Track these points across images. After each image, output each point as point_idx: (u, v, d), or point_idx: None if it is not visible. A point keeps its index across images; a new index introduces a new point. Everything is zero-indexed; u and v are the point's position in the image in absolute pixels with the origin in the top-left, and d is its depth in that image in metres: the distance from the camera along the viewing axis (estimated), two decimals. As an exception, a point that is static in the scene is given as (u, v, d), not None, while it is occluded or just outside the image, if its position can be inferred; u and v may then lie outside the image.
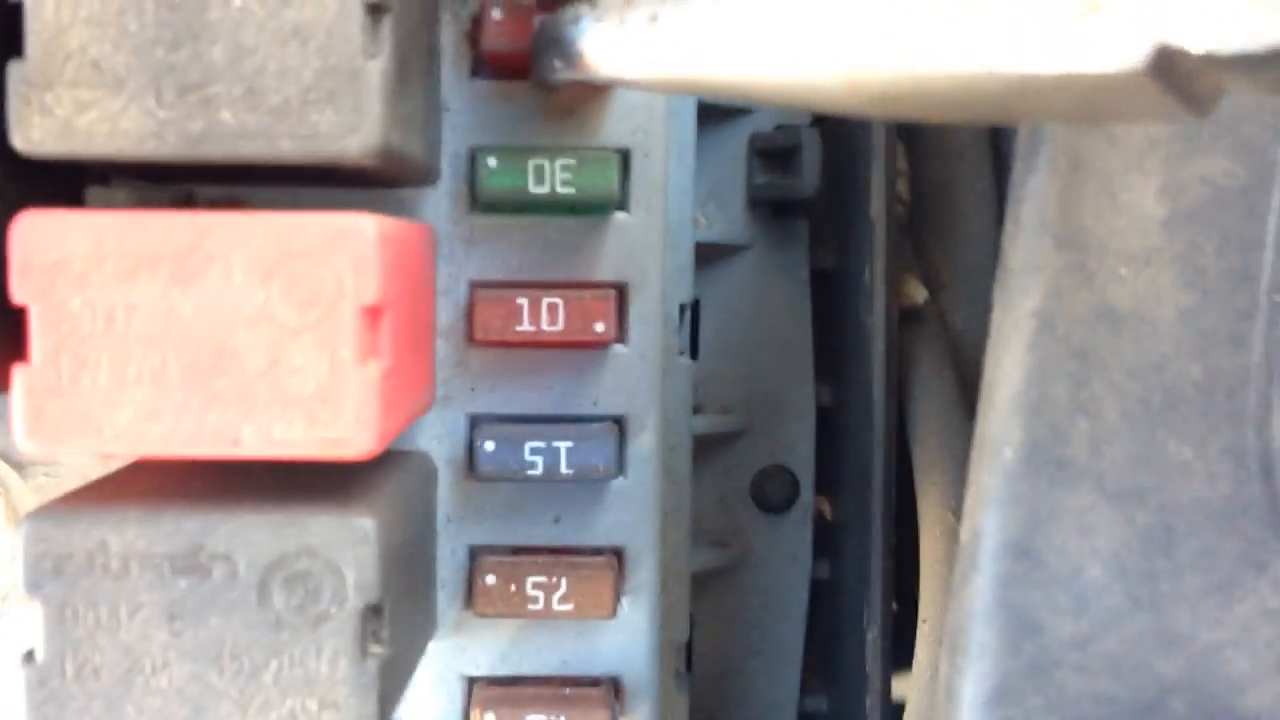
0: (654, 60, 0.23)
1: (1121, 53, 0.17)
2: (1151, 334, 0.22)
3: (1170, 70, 0.17)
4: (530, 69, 0.29)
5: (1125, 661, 0.22)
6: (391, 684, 0.25)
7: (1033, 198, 0.23)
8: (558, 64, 0.25)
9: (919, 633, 0.33)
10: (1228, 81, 0.18)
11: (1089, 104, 0.19)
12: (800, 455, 0.39)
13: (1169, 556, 0.22)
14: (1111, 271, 0.23)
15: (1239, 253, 0.22)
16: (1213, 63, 0.17)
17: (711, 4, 0.22)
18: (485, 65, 0.30)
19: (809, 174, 0.36)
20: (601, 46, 0.24)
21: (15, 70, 0.23)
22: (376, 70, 0.23)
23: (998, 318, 0.24)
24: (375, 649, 0.24)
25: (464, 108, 0.30)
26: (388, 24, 0.24)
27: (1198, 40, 0.16)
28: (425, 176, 0.29)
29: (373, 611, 0.24)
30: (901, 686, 0.36)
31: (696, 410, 0.38)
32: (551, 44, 0.26)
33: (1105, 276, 0.23)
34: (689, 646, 0.37)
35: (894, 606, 0.36)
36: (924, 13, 0.19)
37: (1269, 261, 0.22)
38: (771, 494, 0.39)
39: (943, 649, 0.23)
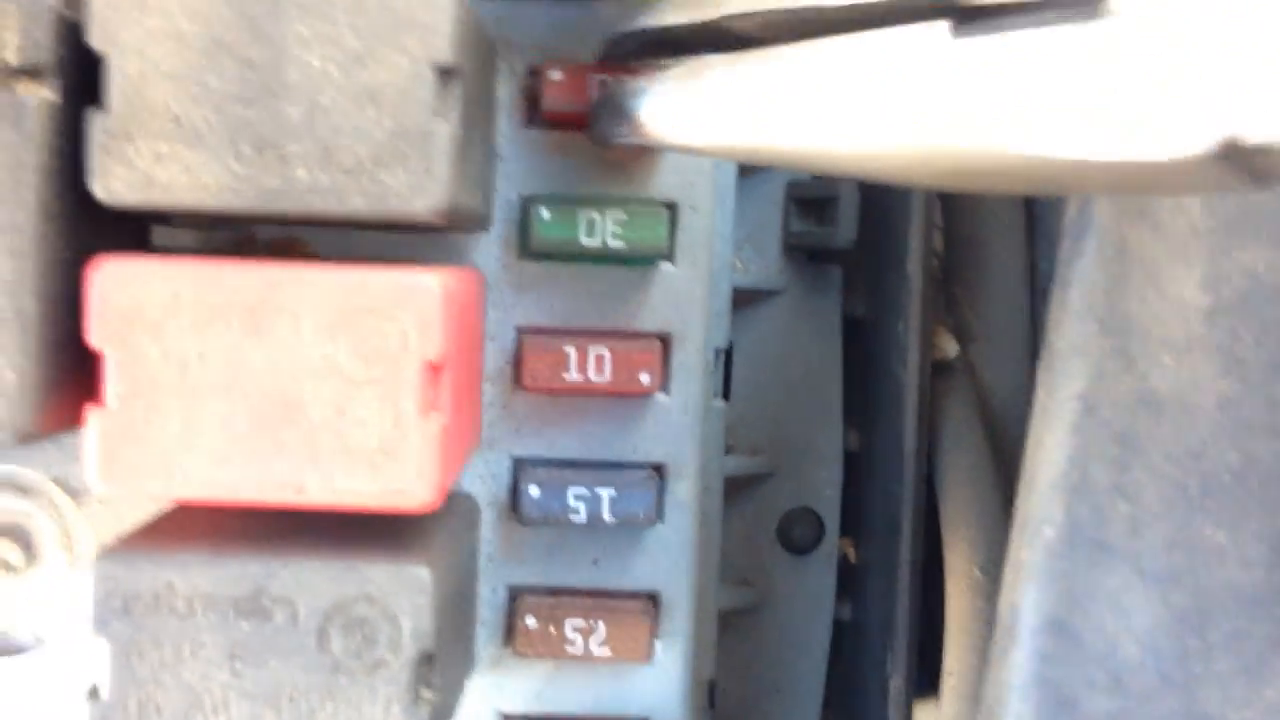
0: (718, 132, 0.24)
1: (1189, 141, 0.17)
2: (1191, 421, 0.23)
3: (1237, 156, 0.18)
4: (588, 128, 0.29)
5: (1159, 738, 0.22)
6: (439, 727, 0.26)
7: (1079, 283, 0.24)
8: (619, 129, 0.26)
9: (945, 685, 0.34)
10: None
11: (1156, 183, 0.19)
12: (826, 498, 0.40)
13: (1202, 638, 0.23)
14: (1154, 358, 0.23)
15: (1278, 343, 0.23)
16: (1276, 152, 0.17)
17: (780, 79, 0.23)
18: (539, 115, 0.30)
19: (845, 225, 0.37)
20: (667, 116, 0.25)
21: (97, 121, 0.23)
22: (445, 132, 0.24)
23: (1041, 398, 0.24)
24: (427, 694, 0.25)
25: (517, 156, 0.31)
26: (457, 86, 0.24)
27: (1263, 130, 0.17)
28: (479, 224, 0.30)
29: (426, 659, 0.25)
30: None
31: (727, 451, 0.38)
32: (614, 110, 0.26)
33: (1148, 363, 0.23)
34: (712, 683, 0.38)
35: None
36: (995, 95, 0.19)
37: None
38: (797, 535, 0.40)
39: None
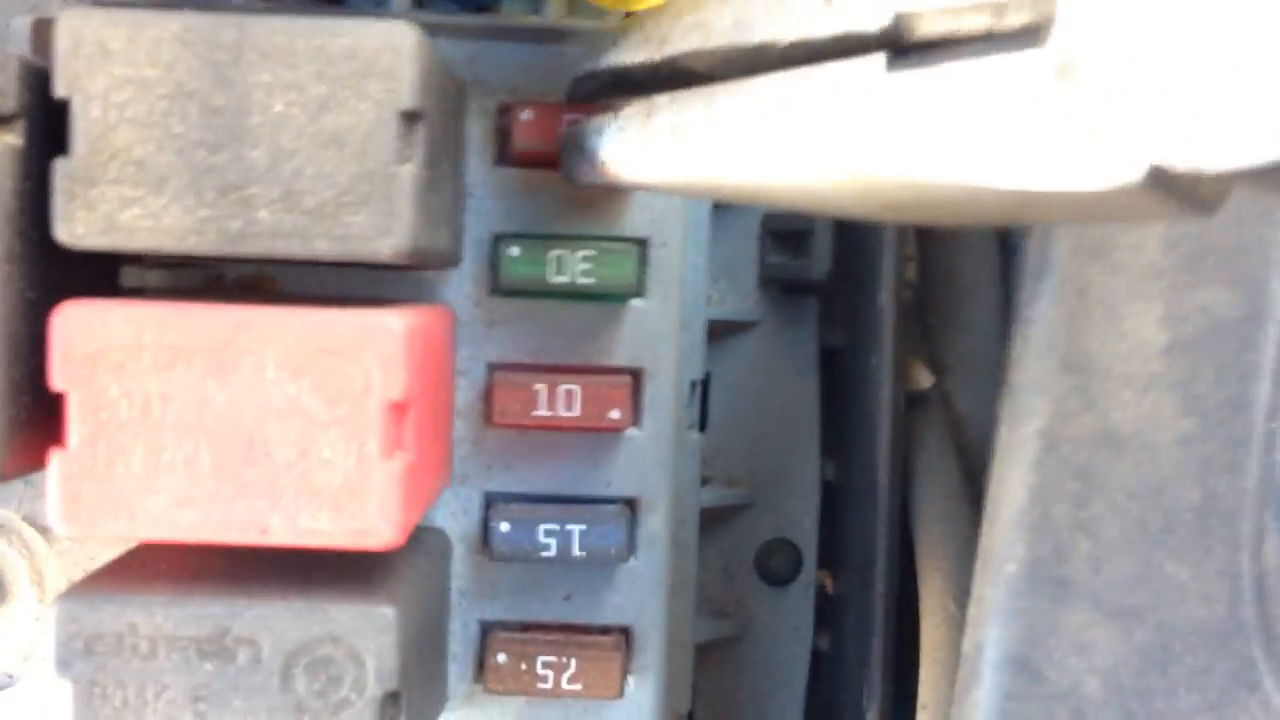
0: (673, 168, 0.24)
1: (1118, 172, 0.17)
2: (1151, 458, 0.23)
3: (1167, 184, 0.18)
4: (560, 167, 0.29)
5: (1121, 774, 0.23)
6: (405, 766, 0.26)
7: (1039, 321, 0.24)
8: (584, 170, 0.26)
9: (919, 718, 0.34)
10: (1223, 189, 0.19)
11: (1094, 211, 0.19)
12: (804, 529, 0.40)
13: (1164, 674, 0.23)
14: (1114, 396, 0.23)
15: (1237, 381, 0.23)
16: (1208, 178, 0.17)
17: (728, 116, 0.23)
18: (510, 154, 0.31)
19: (820, 258, 0.37)
20: (624, 155, 0.25)
21: (61, 167, 0.24)
22: (409, 175, 0.24)
23: (1003, 435, 0.24)
24: (392, 733, 0.25)
25: (488, 194, 0.31)
26: (421, 130, 0.25)
27: (1190, 158, 0.17)
28: (449, 261, 0.30)
29: (391, 698, 0.25)
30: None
31: (704, 482, 0.38)
32: (577, 150, 0.27)
33: (1108, 400, 0.23)
34: (690, 715, 0.38)
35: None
36: (931, 128, 0.19)
37: (1265, 390, 0.23)
38: (775, 566, 0.40)
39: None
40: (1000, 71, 0.19)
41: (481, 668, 0.31)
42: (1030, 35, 0.19)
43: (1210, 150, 0.17)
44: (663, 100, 0.24)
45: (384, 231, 0.24)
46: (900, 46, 0.20)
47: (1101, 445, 0.23)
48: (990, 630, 0.23)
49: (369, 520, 0.24)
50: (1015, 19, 0.19)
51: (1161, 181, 0.18)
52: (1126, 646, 0.23)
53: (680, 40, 0.23)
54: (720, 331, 0.39)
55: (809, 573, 0.40)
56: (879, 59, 0.20)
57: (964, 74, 0.19)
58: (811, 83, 0.21)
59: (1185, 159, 0.17)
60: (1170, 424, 0.23)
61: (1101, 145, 0.18)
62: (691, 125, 0.24)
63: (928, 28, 0.20)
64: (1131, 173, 0.17)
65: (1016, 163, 0.18)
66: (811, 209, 0.23)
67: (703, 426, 0.38)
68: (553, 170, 0.30)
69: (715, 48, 0.23)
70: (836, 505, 0.40)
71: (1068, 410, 0.23)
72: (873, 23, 0.20)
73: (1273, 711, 0.22)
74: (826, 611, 0.40)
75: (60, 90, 0.24)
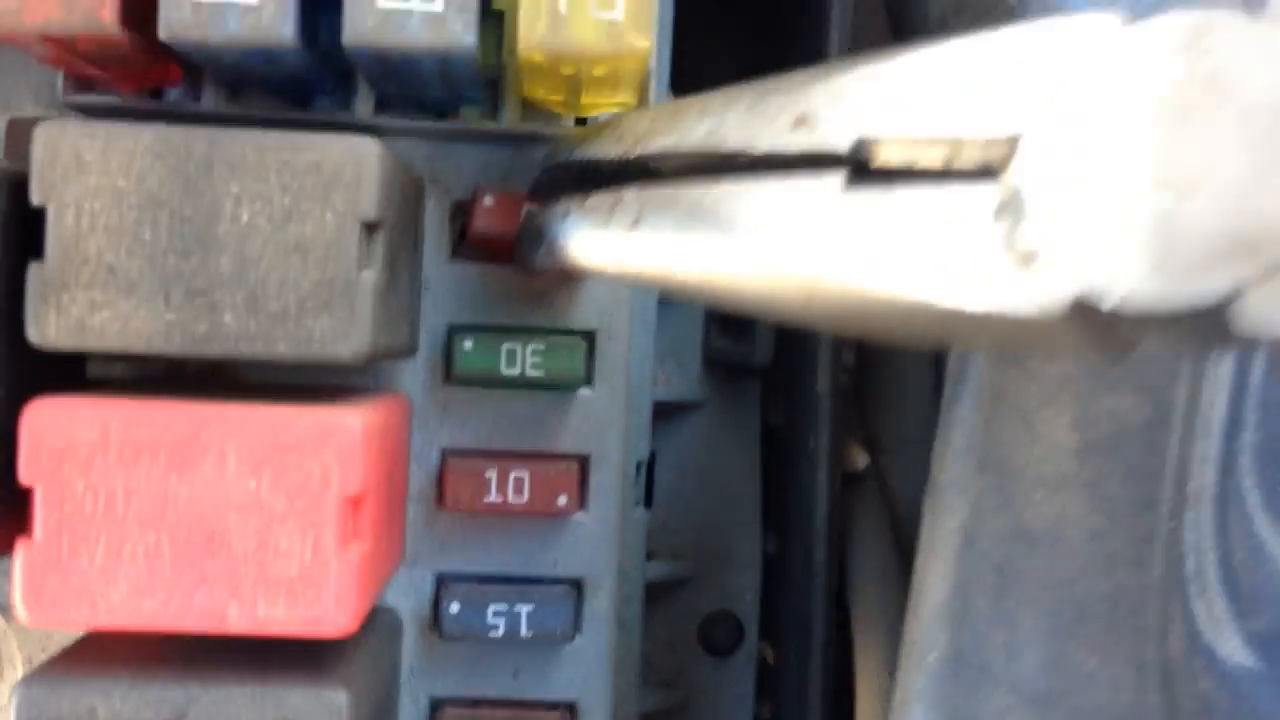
0: (632, 260, 0.25)
1: (1042, 301, 0.19)
2: (1063, 553, 0.25)
3: (1086, 320, 0.19)
4: (513, 254, 0.31)
5: None
6: (355, 843, 0.27)
7: (960, 424, 0.25)
8: (542, 252, 0.28)
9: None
10: (1139, 334, 0.21)
11: (1015, 340, 0.21)
12: (746, 602, 0.41)
13: (1077, 755, 0.25)
14: (1028, 495, 0.25)
15: (1142, 481, 0.25)
16: (1123, 319, 0.19)
17: (691, 214, 0.24)
18: (466, 248, 0.32)
19: (762, 344, 0.39)
20: (585, 241, 0.26)
21: (35, 272, 0.25)
22: (369, 282, 0.26)
23: (926, 530, 0.26)
24: (342, 813, 0.26)
25: (443, 288, 0.32)
26: (381, 238, 0.26)
27: (1109, 297, 0.18)
28: (406, 352, 0.31)
29: (341, 779, 0.26)
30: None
31: (649, 557, 0.40)
32: (538, 234, 0.28)
33: (1022, 500, 0.25)
34: (634, 783, 0.39)
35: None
36: (876, 244, 0.21)
37: (1169, 489, 0.25)
38: (718, 638, 0.41)
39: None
40: (947, 198, 0.20)
41: (430, 743, 0.32)
42: (983, 173, 0.20)
43: (1129, 291, 0.18)
44: (630, 193, 0.26)
45: (344, 335, 0.26)
46: (862, 170, 0.22)
47: (1017, 541, 0.25)
48: (914, 716, 0.25)
49: (324, 609, 0.25)
50: (970, 157, 0.20)
51: (1081, 316, 0.19)
52: None
53: (653, 141, 0.25)
54: (667, 412, 0.40)
55: (751, 644, 0.41)
56: (838, 177, 0.22)
57: (914, 197, 0.20)
58: (772, 194, 0.23)
59: (1105, 296, 0.18)
60: (1080, 521, 0.25)
61: (1030, 273, 0.19)
62: (654, 219, 0.25)
63: (888, 156, 0.21)
64: (1056, 303, 0.19)
65: (953, 283, 0.20)
66: (754, 311, 0.25)
67: (648, 503, 0.40)
68: (506, 264, 0.32)
69: (687, 151, 0.24)
70: (777, 579, 0.41)
71: (985, 508, 0.25)
72: (838, 146, 0.21)
73: (1174, 792, 0.24)
74: (768, 681, 0.41)
75: (36, 199, 0.25)
